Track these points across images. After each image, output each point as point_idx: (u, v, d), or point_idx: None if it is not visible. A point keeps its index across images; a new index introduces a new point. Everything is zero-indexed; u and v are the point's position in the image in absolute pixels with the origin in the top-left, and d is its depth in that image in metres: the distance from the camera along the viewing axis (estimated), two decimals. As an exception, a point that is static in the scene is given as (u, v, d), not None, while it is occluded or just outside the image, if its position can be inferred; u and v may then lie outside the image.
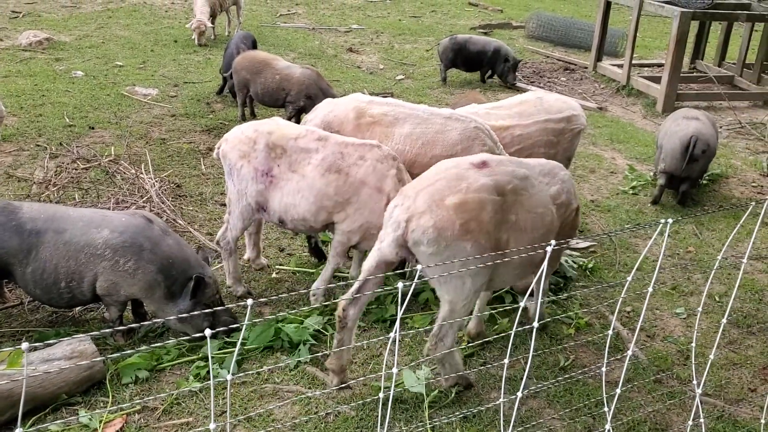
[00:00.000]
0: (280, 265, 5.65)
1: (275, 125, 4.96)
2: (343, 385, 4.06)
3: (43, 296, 4.41)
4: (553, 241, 2.62)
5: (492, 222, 3.67)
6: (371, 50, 13.25)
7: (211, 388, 1.90)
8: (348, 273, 5.45)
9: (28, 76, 9.98)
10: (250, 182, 4.83)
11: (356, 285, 3.90)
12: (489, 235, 3.66)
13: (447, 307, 3.77)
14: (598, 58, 12.50)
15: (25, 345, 1.71)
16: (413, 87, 10.90)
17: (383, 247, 3.80)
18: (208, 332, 1.84)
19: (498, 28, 15.82)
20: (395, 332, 2.36)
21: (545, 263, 2.53)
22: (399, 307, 2.34)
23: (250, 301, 2.06)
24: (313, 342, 4.55)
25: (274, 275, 5.51)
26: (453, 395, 4.09)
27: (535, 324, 2.56)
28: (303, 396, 4.08)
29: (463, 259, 3.53)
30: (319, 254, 5.70)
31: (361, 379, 4.22)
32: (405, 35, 14.60)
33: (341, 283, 5.28)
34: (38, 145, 7.50)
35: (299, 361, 4.32)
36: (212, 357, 4.32)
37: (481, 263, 3.62)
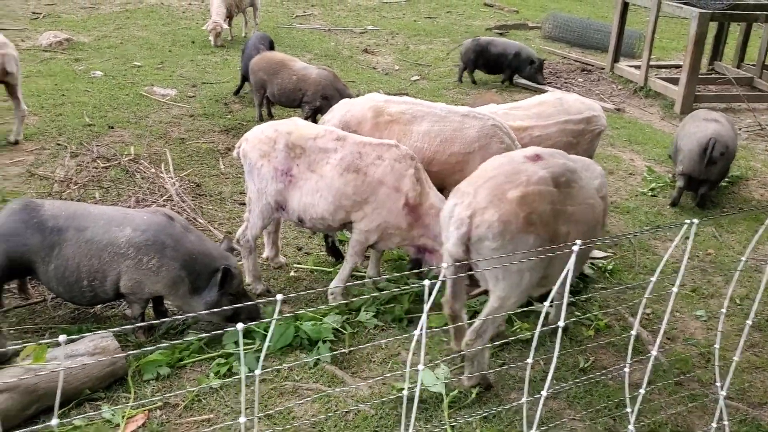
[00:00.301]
0: (298, 263, 5.68)
1: (294, 125, 4.99)
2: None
3: (66, 294, 4.45)
4: (579, 241, 2.62)
5: (551, 214, 3.72)
6: (386, 51, 13.27)
7: (242, 382, 1.92)
8: (365, 272, 5.46)
9: (49, 76, 10.08)
10: (270, 181, 4.85)
11: (449, 287, 3.97)
12: (549, 227, 3.71)
13: (496, 303, 3.79)
14: (615, 59, 12.45)
15: (62, 338, 1.74)
16: (428, 88, 10.91)
17: (450, 247, 3.84)
18: (239, 326, 1.86)
19: (514, 28, 15.79)
20: (420, 329, 2.37)
21: (571, 262, 2.53)
22: (426, 304, 2.35)
23: (279, 296, 2.07)
24: (332, 340, 4.56)
25: (292, 274, 5.53)
26: (473, 395, 4.09)
27: (561, 323, 2.56)
28: (323, 394, 4.09)
29: (525, 252, 3.56)
30: (336, 253, 5.72)
31: (382, 377, 4.24)
32: (420, 36, 14.61)
33: (361, 282, 5.27)
34: (59, 144, 7.57)
35: (318, 359, 4.33)
36: (233, 354, 4.34)
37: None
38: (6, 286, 4.72)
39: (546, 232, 3.70)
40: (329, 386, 4.20)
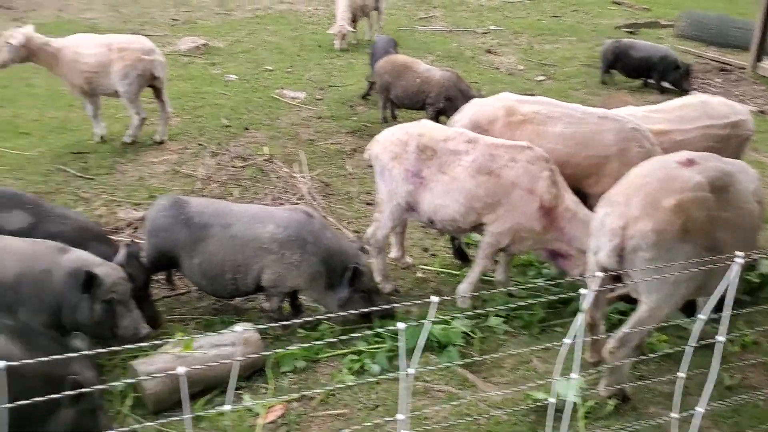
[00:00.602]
0: (425, 265, 5.71)
1: (425, 127, 5.04)
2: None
3: (208, 286, 4.71)
4: (740, 253, 2.48)
5: (708, 221, 3.58)
6: (510, 51, 13.09)
7: (401, 380, 1.95)
8: (494, 277, 5.39)
9: (188, 79, 10.70)
10: (401, 183, 4.91)
11: (592, 297, 3.92)
12: (706, 234, 3.57)
13: (646, 314, 3.67)
14: (758, 58, 11.64)
15: (239, 327, 1.84)
16: (555, 88, 10.66)
17: (601, 258, 3.75)
18: (401, 326, 1.90)
19: (645, 27, 15.13)
20: (575, 337, 2.32)
21: (735, 273, 2.39)
22: (581, 313, 2.29)
23: (435, 299, 2.10)
24: (462, 344, 4.55)
25: (419, 275, 5.58)
26: (611, 407, 3.95)
27: (722, 338, 2.43)
28: (454, 397, 4.10)
29: (682, 261, 3.43)
30: (462, 256, 5.70)
31: (529, 385, 4.19)
32: (545, 35, 14.31)
33: (495, 291, 5.18)
34: (200, 144, 8.03)
35: (450, 362, 4.33)
36: (365, 351, 4.44)
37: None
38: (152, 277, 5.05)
39: (703, 239, 3.53)
40: (460, 389, 4.20)
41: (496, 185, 4.71)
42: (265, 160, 7.54)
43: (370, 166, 5.29)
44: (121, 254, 4.41)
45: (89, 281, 3.88)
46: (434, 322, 4.66)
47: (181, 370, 1.82)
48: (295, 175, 7.12)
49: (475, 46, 13.35)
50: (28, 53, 7.37)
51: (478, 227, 4.92)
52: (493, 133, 5.05)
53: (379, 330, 4.47)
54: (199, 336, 4.17)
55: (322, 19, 15.56)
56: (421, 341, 2.17)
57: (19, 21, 13.92)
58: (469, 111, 5.42)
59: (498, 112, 5.22)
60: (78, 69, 7.43)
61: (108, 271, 4.02)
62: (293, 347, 4.39)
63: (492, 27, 14.92)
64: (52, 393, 2.75)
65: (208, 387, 4.10)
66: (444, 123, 6.30)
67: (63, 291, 3.94)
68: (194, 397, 4.07)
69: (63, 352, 3.18)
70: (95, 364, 3.35)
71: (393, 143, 4.98)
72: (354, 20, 12.97)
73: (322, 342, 4.10)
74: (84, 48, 7.50)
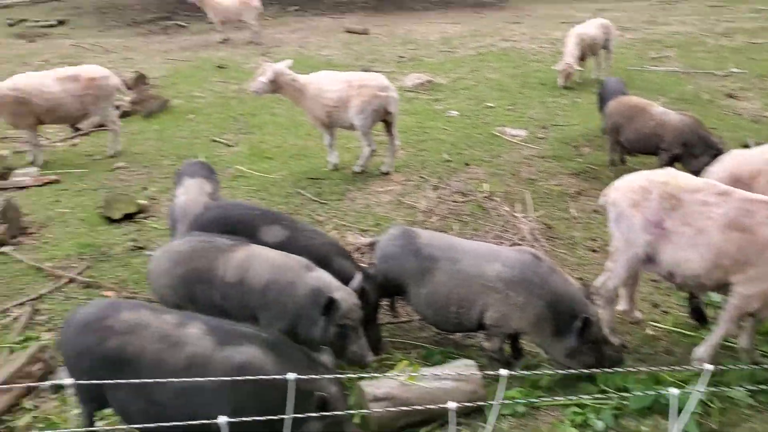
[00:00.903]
0: (655, 321, 5.34)
1: (670, 176, 4.75)
2: None
3: (432, 317, 4.80)
4: None
5: None
6: (754, 96, 11.98)
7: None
8: (736, 343, 4.88)
9: (413, 114, 11.12)
10: (640, 232, 4.65)
11: None
12: None
13: None
14: None
15: (504, 372, 1.83)
16: (809, 138, 9.53)
17: None
18: (674, 391, 1.76)
19: None
20: None
21: None
22: None
23: (708, 366, 1.93)
24: (699, 412, 4.16)
25: (648, 331, 5.23)
26: None
27: None
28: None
29: None
30: (700, 317, 5.25)
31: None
32: (797, 80, 12.92)
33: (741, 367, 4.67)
34: (422, 177, 8.27)
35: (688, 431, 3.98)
36: (588, 405, 4.23)
37: None
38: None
39: None
40: (695, 462, 3.84)
41: (749, 243, 4.30)
42: (485, 197, 7.57)
43: (596, 211, 5.11)
44: (357, 280, 4.63)
45: (329, 305, 4.12)
46: (666, 384, 4.33)
47: (451, 405, 1.85)
48: (516, 214, 7.07)
49: (714, 89, 12.40)
50: (276, 87, 8.14)
51: (724, 287, 4.50)
52: (755, 189, 4.64)
53: (610, 391, 4.29)
54: (425, 370, 4.23)
55: (546, 56, 15.42)
56: (689, 410, 1.99)
57: (265, 55, 15.53)
58: (728, 163, 5.05)
59: (762, 166, 4.78)
60: (321, 103, 8.04)
61: (345, 296, 4.24)
62: (514, 390, 4.30)
63: (734, 69, 13.77)
64: (302, 406, 2.96)
65: (426, 419, 4.14)
66: (679, 170, 5.89)
67: (303, 306, 4.24)
68: (412, 426, 4.14)
69: (311, 365, 3.43)
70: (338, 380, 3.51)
71: (633, 190, 4.75)
72: (582, 58, 12.68)
73: (548, 399, 3.94)
74: (326, 84, 8.11)
